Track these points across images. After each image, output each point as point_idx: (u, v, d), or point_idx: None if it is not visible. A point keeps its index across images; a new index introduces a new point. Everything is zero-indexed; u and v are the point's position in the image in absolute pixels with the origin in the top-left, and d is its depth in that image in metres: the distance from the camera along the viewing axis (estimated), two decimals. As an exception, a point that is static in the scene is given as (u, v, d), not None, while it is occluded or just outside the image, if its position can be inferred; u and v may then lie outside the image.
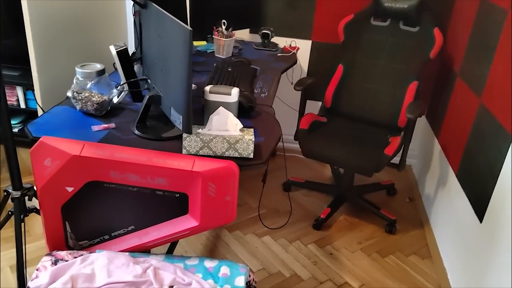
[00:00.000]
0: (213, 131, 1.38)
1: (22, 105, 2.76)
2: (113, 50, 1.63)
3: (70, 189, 1.45)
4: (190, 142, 1.36)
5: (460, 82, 2.30)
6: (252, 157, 1.38)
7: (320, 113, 2.62)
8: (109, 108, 1.61)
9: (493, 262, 1.66)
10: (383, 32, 2.50)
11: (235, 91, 1.49)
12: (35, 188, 1.53)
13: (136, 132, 1.49)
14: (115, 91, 1.60)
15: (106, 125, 1.52)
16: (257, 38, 2.82)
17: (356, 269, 2.14)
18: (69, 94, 1.57)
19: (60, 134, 1.46)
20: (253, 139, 1.36)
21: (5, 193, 1.52)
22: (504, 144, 1.69)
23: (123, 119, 1.60)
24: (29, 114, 2.92)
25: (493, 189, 1.73)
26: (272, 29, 2.62)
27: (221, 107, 1.44)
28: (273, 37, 2.62)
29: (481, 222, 1.81)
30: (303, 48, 2.84)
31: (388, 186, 2.78)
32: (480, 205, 1.83)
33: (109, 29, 2.73)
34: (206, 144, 1.36)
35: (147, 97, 1.48)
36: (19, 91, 2.71)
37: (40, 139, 1.38)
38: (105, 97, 1.57)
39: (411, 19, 2.41)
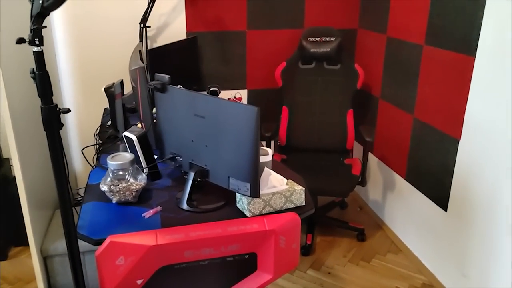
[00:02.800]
0: (266, 190, 1.54)
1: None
2: (132, 136, 1.67)
3: (139, 281, 1.45)
4: (254, 205, 1.50)
5: (384, 104, 2.82)
6: (304, 204, 1.58)
7: (277, 151, 2.89)
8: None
9: (463, 239, 2.12)
10: (311, 73, 2.91)
11: (269, 150, 1.68)
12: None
13: (187, 208, 1.56)
14: (144, 175, 1.63)
15: (155, 209, 1.55)
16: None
17: (355, 279, 2.44)
18: (105, 188, 1.55)
19: (117, 230, 1.45)
20: (303, 188, 1.57)
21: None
22: (451, 146, 2.18)
23: (159, 199, 1.64)
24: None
25: (451, 183, 2.21)
26: (218, 85, 2.82)
27: (265, 167, 1.61)
28: (220, 92, 2.82)
29: (446, 211, 2.28)
30: (242, 96, 3.10)
31: (341, 201, 3.17)
32: (441, 198, 2.30)
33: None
34: (267, 203, 1.52)
35: (193, 173, 1.56)
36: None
37: (108, 239, 1.37)
38: (141, 183, 1.59)
39: (333, 59, 2.88)
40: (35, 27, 1.10)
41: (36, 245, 2.05)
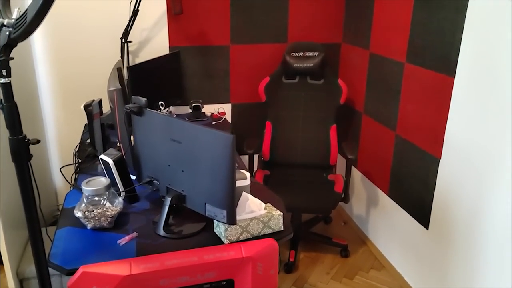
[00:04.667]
0: (244, 216, 1.53)
1: None
2: (109, 159, 1.65)
3: (114, 311, 1.42)
4: (231, 231, 1.48)
5: (368, 119, 2.82)
6: (282, 229, 1.57)
7: (261, 167, 2.88)
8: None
9: (445, 257, 2.12)
10: (295, 88, 2.91)
11: (247, 174, 1.66)
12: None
13: (163, 234, 1.54)
14: (120, 199, 1.61)
15: (130, 236, 1.52)
16: (183, 110, 2.96)
17: (338, 297, 2.43)
18: (79, 214, 1.52)
19: (90, 258, 1.42)
20: (281, 213, 1.55)
21: None
22: (432, 165, 2.19)
23: (135, 224, 1.61)
24: None
25: (432, 201, 2.22)
26: (201, 100, 2.81)
27: (243, 192, 1.59)
28: (203, 107, 2.81)
29: (427, 229, 2.28)
30: (225, 110, 3.09)
31: (325, 216, 3.17)
32: (423, 215, 2.30)
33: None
34: (245, 229, 1.50)
35: (170, 198, 1.54)
36: None
37: (80, 269, 1.34)
38: (117, 208, 1.57)
39: (317, 74, 2.88)
40: (2, 58, 1.07)
41: (12, 267, 2.01)
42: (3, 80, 1.09)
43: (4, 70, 1.08)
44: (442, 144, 2.11)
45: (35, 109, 2.65)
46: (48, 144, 2.82)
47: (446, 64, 2.04)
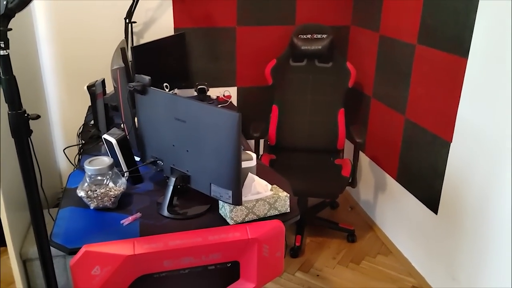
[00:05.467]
0: (249, 197, 1.49)
1: None
2: (112, 139, 1.61)
3: (117, 291, 1.40)
4: (236, 212, 1.45)
5: (376, 103, 2.77)
6: (289, 211, 1.53)
7: (267, 151, 2.84)
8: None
9: (454, 243, 2.08)
10: (303, 71, 2.85)
11: (254, 155, 1.62)
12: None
13: (167, 214, 1.51)
14: (123, 180, 1.58)
15: (134, 216, 1.49)
16: (188, 92, 2.92)
17: (344, 282, 2.40)
18: (82, 194, 1.50)
19: (93, 238, 1.40)
20: (288, 195, 1.52)
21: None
22: (442, 149, 2.14)
23: (139, 205, 1.58)
24: None
25: (442, 186, 2.17)
26: (206, 83, 2.76)
27: (249, 173, 1.55)
28: (208, 90, 2.76)
29: (436, 214, 2.24)
30: (231, 93, 3.04)
31: (332, 201, 3.13)
32: (432, 200, 2.26)
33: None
34: (250, 210, 1.47)
35: (174, 179, 1.51)
36: None
37: (83, 248, 1.32)
38: (121, 188, 1.54)
39: (325, 57, 2.81)
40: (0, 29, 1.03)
41: (15, 248, 1.99)
42: (1, 52, 1.06)
43: (2, 42, 1.04)
44: (454, 127, 2.05)
45: (38, 91, 2.62)
46: (51, 126, 2.79)
47: (459, 45, 1.97)
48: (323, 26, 2.78)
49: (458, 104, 2.01)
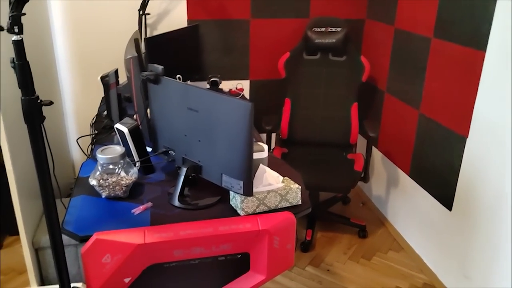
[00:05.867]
0: (261, 188, 1.48)
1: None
2: (124, 128, 1.61)
3: (127, 279, 1.40)
4: (247, 203, 1.44)
5: (390, 98, 2.73)
6: (300, 203, 1.52)
7: (278, 144, 2.82)
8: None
9: (468, 240, 2.05)
10: (316, 64, 2.82)
11: (265, 146, 1.61)
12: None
13: (178, 204, 1.50)
14: (135, 169, 1.58)
15: (145, 205, 1.49)
16: (200, 85, 2.90)
17: (355, 277, 2.38)
18: (93, 182, 1.50)
19: (104, 226, 1.40)
20: (300, 187, 1.50)
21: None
22: (458, 144, 2.10)
23: (150, 195, 1.58)
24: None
25: (456, 182, 2.13)
26: (219, 75, 2.75)
27: (261, 164, 1.54)
28: (221, 83, 2.75)
29: (450, 210, 2.20)
30: (243, 86, 3.02)
31: (343, 196, 3.11)
32: (446, 196, 2.22)
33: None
34: (261, 202, 1.45)
35: (186, 169, 1.50)
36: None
37: (94, 236, 1.32)
38: (132, 178, 1.54)
39: (339, 51, 2.78)
40: (13, 14, 1.03)
41: (28, 236, 2.01)
42: (15, 37, 1.06)
43: (16, 27, 1.04)
44: (470, 122, 2.01)
45: (52, 81, 2.64)
46: (65, 116, 2.81)
47: (477, 38, 1.93)
48: (337, 19, 2.75)
49: (475, 98, 1.96)
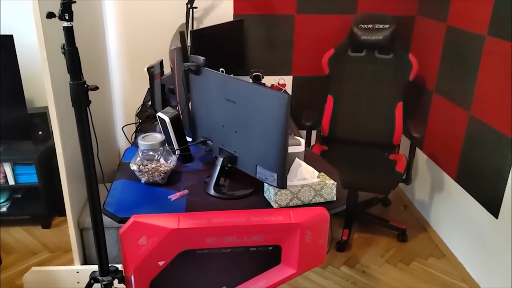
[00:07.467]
0: (295, 182, 1.48)
1: (11, 182, 2.57)
2: (165, 117, 1.66)
3: (161, 263, 1.44)
4: (281, 196, 1.44)
5: (439, 98, 2.62)
6: (335, 199, 1.50)
7: (319, 142, 2.80)
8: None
9: (520, 250, 1.93)
10: (361, 62, 2.76)
11: (302, 141, 1.60)
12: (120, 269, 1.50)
13: (213, 193, 1.53)
14: (174, 157, 1.62)
15: (181, 192, 1.53)
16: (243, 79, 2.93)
17: (391, 281, 2.32)
18: (134, 167, 1.56)
19: (142, 210, 1.45)
20: (335, 183, 1.48)
21: (92, 281, 1.45)
22: (509, 148, 1.99)
23: (187, 183, 1.62)
24: (17, 191, 2.75)
25: (505, 188, 2.02)
26: (262, 70, 2.76)
27: (296, 158, 1.54)
28: (263, 77, 2.76)
29: (496, 218, 2.09)
30: (286, 82, 3.02)
31: (384, 198, 3.03)
32: (493, 203, 2.11)
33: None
34: (295, 195, 1.45)
35: (222, 159, 1.53)
36: (7, 167, 2.53)
37: (132, 218, 1.37)
38: (171, 165, 1.58)
39: (386, 48, 2.71)
40: (64, 1, 1.09)
41: (74, 217, 2.12)
42: (65, 24, 1.11)
43: (67, 14, 1.10)
44: (523, 125, 1.90)
45: (103, 71, 2.76)
46: (114, 105, 2.93)
47: (536, 35, 1.81)
48: (385, 16, 2.68)
49: (530, 100, 1.85)
